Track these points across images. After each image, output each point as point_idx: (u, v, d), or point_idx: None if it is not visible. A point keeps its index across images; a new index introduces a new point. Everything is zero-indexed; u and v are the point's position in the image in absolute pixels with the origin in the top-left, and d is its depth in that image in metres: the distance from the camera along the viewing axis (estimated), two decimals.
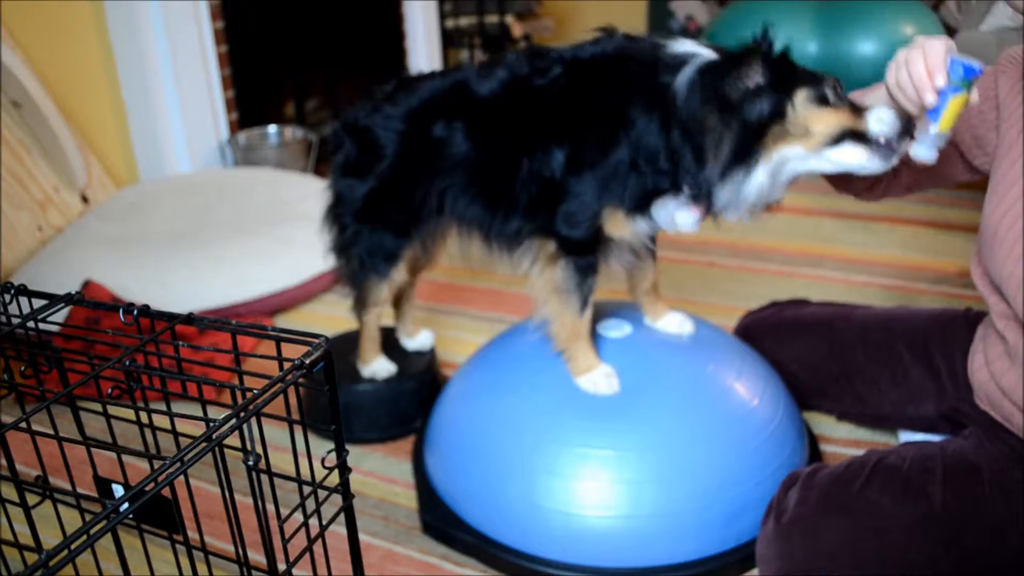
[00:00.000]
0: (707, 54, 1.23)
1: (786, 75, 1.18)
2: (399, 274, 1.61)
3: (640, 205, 1.29)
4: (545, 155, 1.31)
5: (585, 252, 1.35)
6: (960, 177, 1.36)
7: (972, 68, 1.04)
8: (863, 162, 1.18)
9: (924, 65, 1.06)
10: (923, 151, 1.12)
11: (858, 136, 1.17)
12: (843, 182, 1.41)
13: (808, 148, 1.18)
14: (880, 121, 1.15)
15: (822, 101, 1.17)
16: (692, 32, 5.34)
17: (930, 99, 1.07)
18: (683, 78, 1.21)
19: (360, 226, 1.56)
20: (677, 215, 1.28)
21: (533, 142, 1.33)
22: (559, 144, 1.30)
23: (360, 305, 1.67)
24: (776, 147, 1.18)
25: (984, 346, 1.34)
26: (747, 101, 1.16)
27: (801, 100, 1.17)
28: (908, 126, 1.15)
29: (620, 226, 1.33)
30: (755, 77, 1.16)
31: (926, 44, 1.08)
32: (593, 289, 1.39)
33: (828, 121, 1.17)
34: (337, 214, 1.60)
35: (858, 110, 1.18)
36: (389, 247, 1.57)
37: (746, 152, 1.17)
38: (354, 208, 1.55)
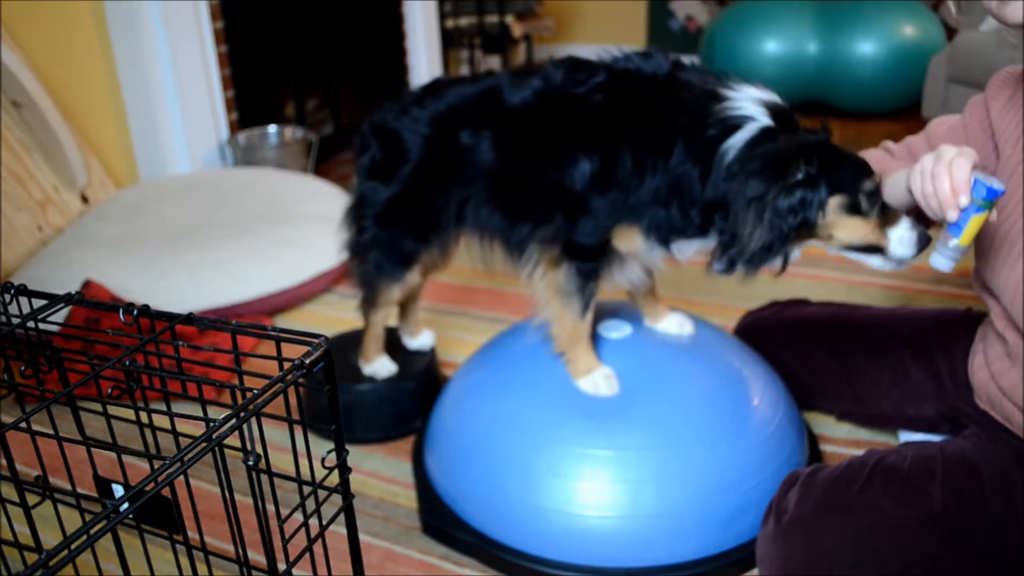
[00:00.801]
0: (762, 120, 1.20)
1: (828, 169, 1.17)
2: (413, 277, 1.61)
3: (660, 235, 1.29)
4: (571, 165, 1.29)
5: (589, 258, 1.35)
6: None
7: (995, 189, 1.07)
8: (876, 266, 1.23)
9: (949, 184, 1.08)
10: (942, 262, 1.15)
11: (877, 249, 1.21)
12: None
13: (831, 246, 1.22)
14: (901, 243, 1.19)
15: (854, 209, 1.18)
16: (692, 32, 5.35)
17: (952, 216, 1.10)
18: (732, 150, 1.18)
19: (380, 230, 1.55)
20: (713, 264, 1.28)
21: (561, 150, 1.30)
22: (588, 156, 1.28)
23: (369, 305, 1.67)
24: (800, 240, 1.21)
25: (984, 346, 1.34)
26: (789, 194, 1.16)
27: (833, 207, 1.18)
28: (924, 242, 1.19)
29: (630, 241, 1.32)
30: (799, 175, 1.16)
31: (953, 161, 1.09)
32: (595, 293, 1.39)
33: (854, 232, 1.20)
34: (358, 216, 1.58)
35: (886, 220, 1.19)
36: (407, 252, 1.56)
37: (773, 242, 1.18)
38: (375, 211, 1.54)
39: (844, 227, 1.19)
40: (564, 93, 1.32)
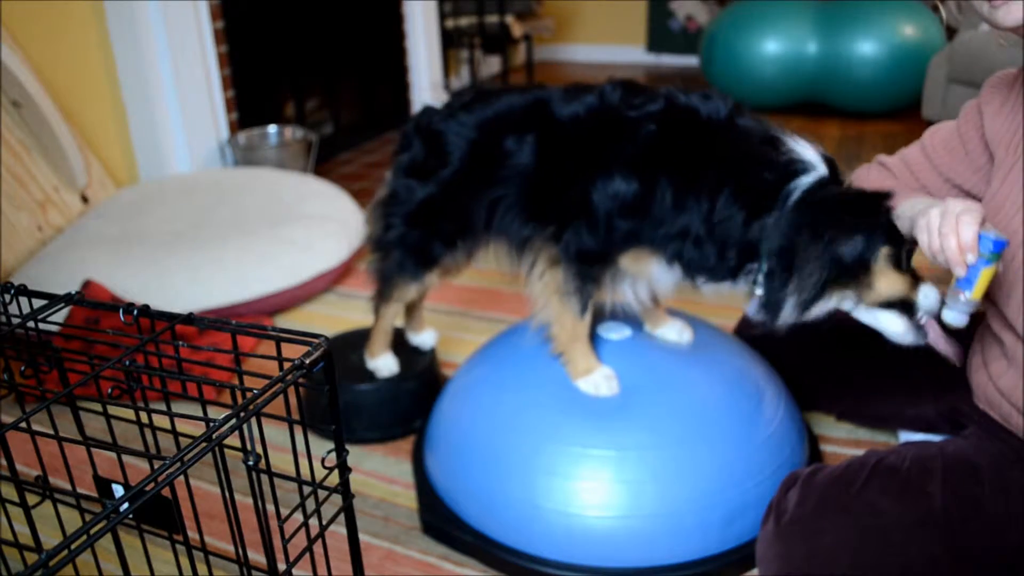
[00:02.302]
0: (821, 169, 1.21)
1: (879, 227, 1.18)
2: (432, 279, 1.61)
3: (688, 269, 1.28)
4: (605, 181, 1.28)
5: (591, 262, 1.35)
6: None
7: (1001, 242, 1.09)
8: (899, 332, 1.23)
9: (956, 243, 1.10)
10: (954, 316, 1.15)
11: (906, 307, 1.21)
12: None
13: (866, 301, 1.21)
14: (927, 297, 1.20)
15: (897, 263, 1.19)
16: (692, 32, 5.34)
17: (960, 273, 1.11)
18: (799, 188, 1.19)
19: (408, 229, 1.54)
20: (749, 305, 1.28)
21: (598, 166, 1.29)
22: (625, 178, 1.27)
23: (382, 299, 1.66)
24: (841, 294, 1.20)
25: (982, 347, 1.34)
26: (845, 242, 1.16)
27: (883, 257, 1.19)
28: (942, 302, 1.20)
29: (641, 265, 1.32)
30: (862, 225, 1.17)
31: (959, 219, 1.10)
32: (592, 294, 1.39)
33: (894, 285, 1.20)
34: (387, 212, 1.57)
35: (916, 280, 1.21)
36: (432, 254, 1.56)
37: (822, 288, 1.18)
38: (407, 210, 1.53)
39: (887, 279, 1.20)
40: (617, 114, 1.31)
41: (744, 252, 1.22)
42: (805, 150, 1.23)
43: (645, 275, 1.34)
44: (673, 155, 1.26)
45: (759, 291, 1.24)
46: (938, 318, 1.20)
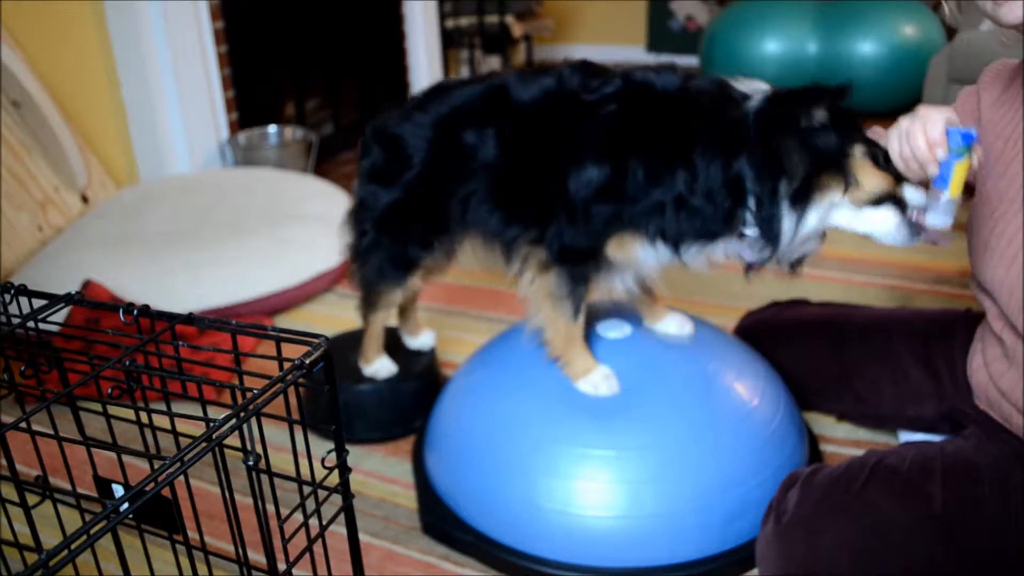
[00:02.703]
0: (768, 89, 1.24)
1: (846, 124, 1.20)
2: (414, 282, 1.61)
3: (673, 240, 1.28)
4: (577, 171, 1.28)
5: (580, 262, 1.35)
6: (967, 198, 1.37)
7: (969, 135, 1.10)
8: (892, 230, 1.23)
9: (924, 139, 1.11)
10: (938, 218, 1.16)
11: (896, 202, 1.21)
12: None
13: (853, 201, 1.21)
14: (915, 195, 1.20)
15: (875, 160, 1.20)
16: (692, 32, 5.35)
17: (933, 170, 1.12)
18: (754, 105, 1.22)
19: (379, 235, 1.55)
20: (739, 249, 1.28)
21: (568, 155, 1.29)
22: (597, 164, 1.27)
23: (368, 306, 1.67)
24: (828, 191, 1.20)
25: (982, 347, 1.34)
26: (817, 134, 1.17)
27: (859, 152, 1.19)
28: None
29: (627, 250, 1.31)
30: (821, 115, 1.18)
31: (926, 117, 1.12)
32: (585, 296, 1.39)
33: (877, 180, 1.20)
34: (359, 220, 1.58)
35: (899, 179, 1.21)
36: (409, 256, 1.56)
37: (807, 188, 1.18)
38: (375, 216, 1.53)
39: (869, 174, 1.20)
40: (576, 97, 1.31)
41: (732, 192, 1.22)
42: (753, 82, 1.26)
43: (631, 261, 1.34)
44: (638, 131, 1.27)
45: (750, 231, 1.24)
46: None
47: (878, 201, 1.21)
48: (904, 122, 1.15)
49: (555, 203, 1.31)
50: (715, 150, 1.21)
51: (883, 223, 1.22)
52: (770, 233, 1.21)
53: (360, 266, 1.61)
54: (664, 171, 1.24)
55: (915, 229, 1.22)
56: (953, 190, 1.12)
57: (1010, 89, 1.23)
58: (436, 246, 1.55)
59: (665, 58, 5.63)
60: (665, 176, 1.24)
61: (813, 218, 1.21)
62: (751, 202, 1.22)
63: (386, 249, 1.55)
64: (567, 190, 1.29)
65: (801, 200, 1.19)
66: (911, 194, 1.20)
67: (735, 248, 1.29)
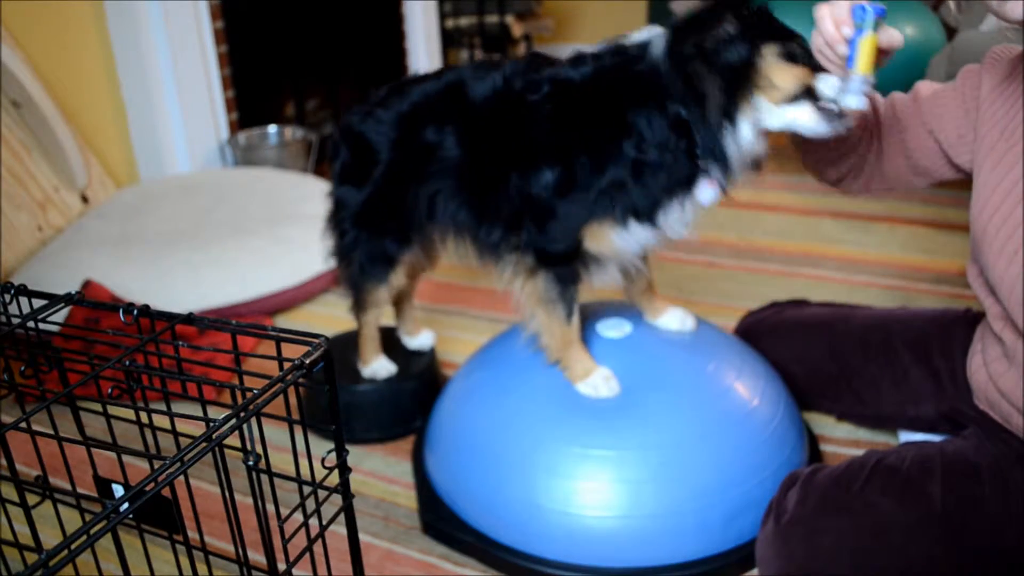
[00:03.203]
0: (657, 30, 1.27)
1: (755, 28, 1.21)
2: (398, 278, 1.62)
3: (645, 212, 1.29)
4: (534, 175, 1.31)
5: (562, 263, 1.35)
6: (943, 174, 1.35)
7: (878, 8, 1.11)
8: (811, 123, 1.22)
9: (831, 21, 1.14)
10: (852, 99, 1.17)
11: (813, 97, 1.21)
12: (821, 166, 1.44)
13: (771, 101, 1.22)
14: (827, 84, 1.20)
15: (788, 58, 1.21)
16: None
17: (842, 50, 1.14)
18: (657, 49, 1.24)
19: (359, 232, 1.57)
20: (700, 193, 1.29)
21: (523, 159, 1.33)
22: (549, 166, 1.30)
23: (359, 307, 1.68)
24: (748, 100, 1.21)
25: (982, 347, 1.34)
26: (723, 49, 1.19)
27: (769, 53, 1.21)
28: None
29: (601, 240, 1.32)
30: (727, 27, 1.20)
31: (832, 2, 1.15)
32: (576, 296, 1.39)
33: (790, 77, 1.21)
34: (337, 220, 1.60)
35: (817, 70, 1.22)
36: (388, 253, 1.57)
37: (731, 100, 1.20)
38: (352, 214, 1.56)
39: (782, 73, 1.20)
40: (521, 99, 1.34)
41: (681, 133, 1.23)
42: (647, 30, 1.29)
43: (612, 251, 1.34)
44: (574, 125, 1.30)
45: (701, 160, 1.25)
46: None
47: (795, 97, 1.22)
48: (816, 11, 1.17)
49: (524, 206, 1.33)
50: (647, 106, 1.24)
51: (802, 117, 1.22)
52: (717, 156, 1.23)
53: (345, 267, 1.63)
54: (610, 149, 1.26)
55: (836, 117, 1.21)
56: (861, 66, 1.12)
57: (1008, 79, 1.22)
58: (412, 240, 1.56)
59: None
60: (613, 153, 1.26)
61: (745, 129, 1.22)
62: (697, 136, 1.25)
63: (365, 246, 1.57)
64: (528, 194, 1.32)
65: (729, 117, 1.21)
66: (823, 83, 1.20)
67: (706, 195, 1.29)
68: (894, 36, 1.15)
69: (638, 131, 1.24)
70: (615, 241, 1.32)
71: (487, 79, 1.37)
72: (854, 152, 1.38)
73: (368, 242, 1.57)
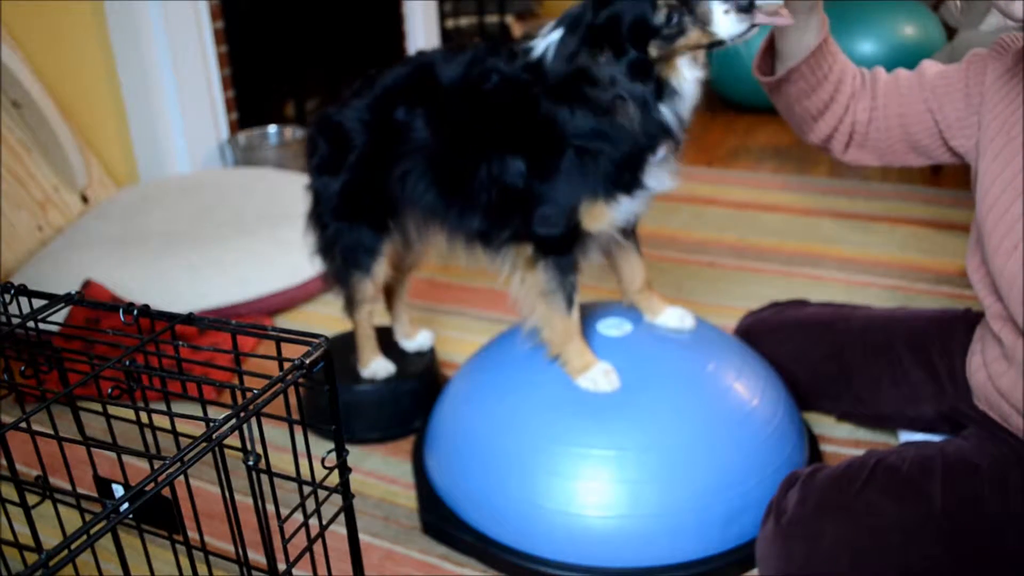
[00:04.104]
0: (553, 36, 1.28)
1: (617, 36, 1.22)
2: (381, 269, 1.62)
3: (623, 183, 1.31)
4: (505, 164, 1.33)
5: (563, 251, 1.36)
6: (940, 155, 1.34)
7: None
8: (728, 27, 1.20)
9: None
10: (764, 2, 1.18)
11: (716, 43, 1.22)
12: (803, 122, 1.43)
13: (700, 41, 1.22)
14: (727, 27, 1.20)
15: (667, 40, 1.21)
16: None
17: None
18: (548, 52, 1.27)
19: (339, 223, 1.57)
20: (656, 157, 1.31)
21: (490, 149, 1.35)
22: (516, 155, 1.32)
23: (349, 304, 1.68)
24: (665, 66, 1.24)
25: (982, 347, 1.34)
26: (614, 80, 1.22)
27: (654, 51, 1.22)
28: (747, 6, 1.19)
29: (599, 217, 1.33)
30: (602, 62, 1.22)
31: None
32: (576, 287, 1.40)
33: (684, 46, 1.22)
34: (317, 214, 1.61)
35: (701, 18, 1.21)
36: (368, 242, 1.58)
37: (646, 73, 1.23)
38: (331, 206, 1.56)
39: (677, 51, 1.23)
40: (478, 85, 1.36)
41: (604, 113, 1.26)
42: (539, 40, 1.30)
43: (604, 224, 1.36)
44: (520, 115, 1.32)
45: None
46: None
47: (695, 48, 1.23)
48: None
49: (512, 197, 1.35)
50: (579, 100, 1.26)
51: (719, 26, 1.21)
52: (657, 134, 1.27)
53: (329, 262, 1.64)
54: (556, 144, 1.28)
55: (745, 15, 1.19)
56: None
57: (1012, 71, 1.22)
58: (391, 228, 1.57)
59: None
60: (559, 148, 1.28)
61: (674, 88, 1.25)
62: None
63: (346, 237, 1.58)
64: (511, 184, 1.34)
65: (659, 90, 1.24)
66: (720, 21, 1.20)
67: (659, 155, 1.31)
68: None
69: (567, 125, 1.27)
70: (612, 212, 1.33)
71: (454, 62, 1.40)
72: (834, 103, 1.36)
73: (348, 233, 1.57)
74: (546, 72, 1.27)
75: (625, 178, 1.31)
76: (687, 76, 1.26)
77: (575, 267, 1.39)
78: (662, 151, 1.30)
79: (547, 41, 1.28)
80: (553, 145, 1.29)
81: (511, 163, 1.33)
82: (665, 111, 1.25)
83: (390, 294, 1.81)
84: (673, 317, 1.53)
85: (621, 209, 1.34)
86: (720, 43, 1.22)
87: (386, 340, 1.82)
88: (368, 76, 1.53)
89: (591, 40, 1.22)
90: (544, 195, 1.32)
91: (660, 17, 1.20)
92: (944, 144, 1.32)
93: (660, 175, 1.33)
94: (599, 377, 1.38)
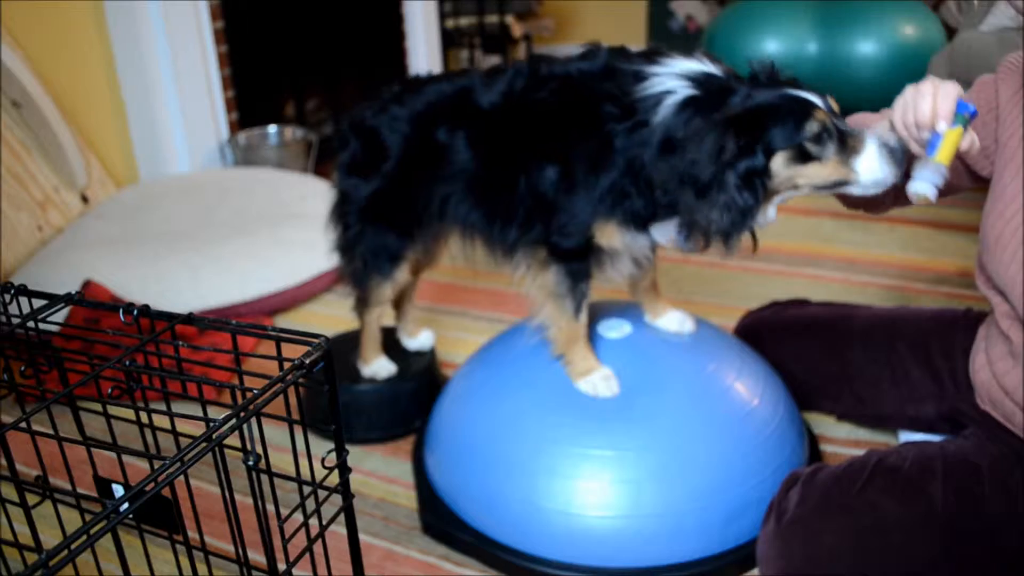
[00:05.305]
0: (681, 92, 1.19)
1: (760, 130, 1.14)
2: (402, 274, 1.62)
3: (636, 224, 1.29)
4: (539, 172, 1.32)
5: (575, 258, 1.36)
6: (966, 187, 1.35)
7: (969, 107, 1.07)
8: (856, 193, 1.19)
9: (931, 106, 1.07)
10: (923, 186, 1.11)
11: (838, 185, 1.18)
12: (852, 203, 1.40)
13: (800, 191, 1.20)
14: (871, 170, 1.15)
15: (804, 157, 1.15)
16: (692, 32, 5.35)
17: (926, 135, 1.09)
18: (657, 130, 1.19)
19: (364, 225, 1.56)
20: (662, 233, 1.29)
21: (528, 158, 1.33)
22: (551, 162, 1.31)
23: (362, 305, 1.68)
24: (768, 200, 1.18)
25: (986, 346, 1.34)
26: (729, 173, 1.13)
27: (780, 163, 1.16)
28: (900, 155, 1.14)
29: (612, 237, 1.33)
30: (729, 149, 1.13)
31: (940, 86, 1.08)
32: (586, 293, 1.39)
33: (816, 176, 1.17)
34: (342, 213, 1.60)
35: (849, 151, 1.15)
36: (392, 247, 1.57)
37: (736, 220, 1.15)
38: (358, 207, 1.55)
39: (803, 176, 1.17)
40: (523, 99, 1.34)
41: (666, 189, 1.21)
42: (664, 78, 1.20)
43: (619, 246, 1.35)
44: (572, 126, 1.29)
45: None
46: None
47: (827, 187, 1.19)
48: (910, 91, 1.11)
49: (534, 204, 1.34)
50: (635, 143, 1.21)
51: (844, 193, 1.18)
52: (701, 241, 1.21)
53: (348, 261, 1.63)
54: (599, 160, 1.25)
55: (894, 163, 1.14)
56: (941, 155, 1.07)
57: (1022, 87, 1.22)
58: (416, 237, 1.56)
59: None
60: (601, 166, 1.25)
61: (751, 224, 1.19)
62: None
63: (371, 240, 1.57)
64: (538, 191, 1.33)
65: (731, 233, 1.17)
66: (867, 170, 1.14)
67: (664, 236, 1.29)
68: (974, 140, 1.11)
69: (625, 159, 1.23)
70: (624, 237, 1.33)
71: (494, 85, 1.37)
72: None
73: (373, 236, 1.56)
74: (650, 117, 1.19)
75: (640, 222, 1.29)
76: (770, 214, 1.20)
77: (586, 274, 1.38)
78: (689, 245, 1.26)
79: (666, 87, 1.20)
80: (596, 162, 1.26)
81: (547, 171, 1.30)
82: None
83: (399, 294, 1.81)
84: (673, 321, 1.53)
85: (637, 238, 1.32)
86: (845, 184, 1.16)
87: (387, 340, 1.82)
88: (410, 82, 1.51)
89: (724, 125, 1.13)
90: (564, 207, 1.31)
91: (810, 130, 1.13)
92: (972, 176, 1.32)
93: (670, 231, 1.31)
94: (599, 382, 1.38)
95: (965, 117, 1.07)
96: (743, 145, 1.13)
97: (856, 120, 1.35)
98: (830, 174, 1.16)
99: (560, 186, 1.30)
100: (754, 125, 1.14)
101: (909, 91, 1.11)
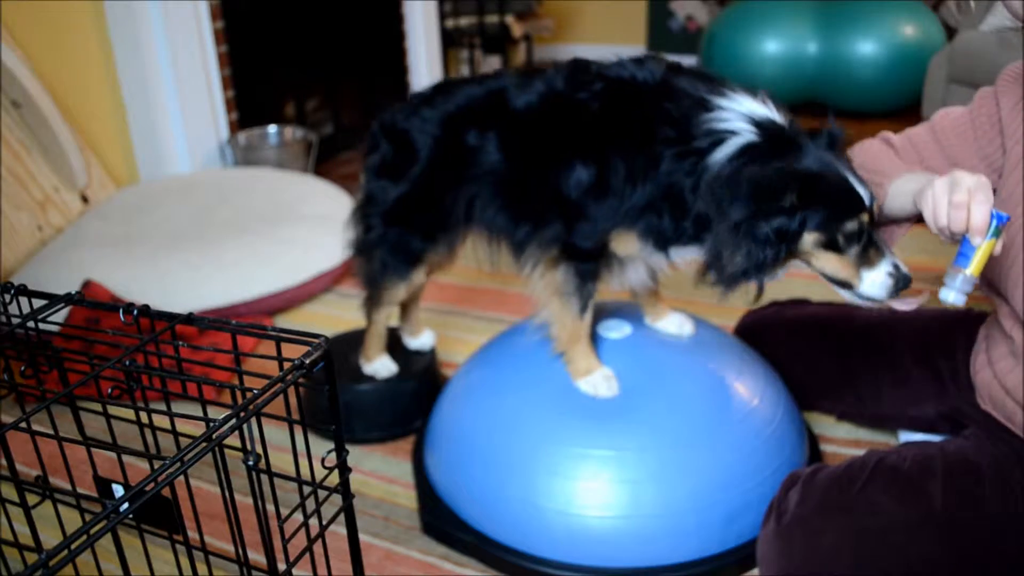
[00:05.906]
0: (745, 136, 1.17)
1: (812, 203, 1.14)
2: (419, 276, 1.61)
3: (657, 242, 1.29)
4: (569, 171, 1.30)
5: (587, 259, 1.36)
6: None
7: (1002, 216, 1.05)
8: (846, 298, 1.21)
9: (966, 219, 1.05)
10: (952, 295, 1.10)
11: (848, 286, 1.19)
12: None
13: (810, 267, 1.21)
14: (873, 286, 1.16)
15: (831, 246, 1.16)
16: (692, 32, 5.35)
17: (957, 239, 1.09)
18: (714, 166, 1.17)
19: (387, 228, 1.56)
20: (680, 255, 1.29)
21: (559, 156, 1.31)
22: (584, 163, 1.29)
23: (373, 303, 1.67)
24: (780, 265, 1.19)
25: (988, 346, 1.34)
26: (764, 222, 1.13)
27: (809, 241, 1.16)
28: (901, 286, 1.16)
29: (627, 246, 1.32)
30: (782, 203, 1.13)
31: (974, 197, 1.05)
32: (593, 294, 1.39)
33: (827, 265, 1.18)
34: (365, 214, 1.59)
35: (866, 260, 1.16)
36: (414, 250, 1.57)
37: (748, 269, 1.16)
38: (384, 209, 1.55)
39: (818, 258, 1.18)
40: (564, 100, 1.32)
41: (698, 219, 1.21)
42: (731, 116, 1.19)
43: (633, 255, 1.35)
44: (617, 131, 1.27)
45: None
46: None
47: (828, 278, 1.20)
48: (941, 190, 1.07)
49: (557, 203, 1.33)
50: (684, 169, 1.20)
51: (836, 289, 1.20)
52: (719, 275, 1.21)
53: (366, 261, 1.62)
54: (639, 173, 1.24)
55: (895, 289, 1.17)
56: (975, 269, 1.07)
57: None
58: (440, 240, 1.56)
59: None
60: (640, 178, 1.24)
61: (754, 280, 1.19)
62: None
63: (392, 242, 1.56)
64: (563, 190, 1.31)
65: (735, 279, 1.18)
66: (871, 284, 1.16)
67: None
68: (999, 249, 1.10)
69: (667, 179, 1.22)
70: (641, 248, 1.32)
71: (530, 87, 1.36)
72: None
73: (396, 238, 1.56)
74: (708, 150, 1.18)
75: (660, 240, 1.29)
76: (778, 273, 1.21)
77: (595, 275, 1.38)
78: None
79: (732, 127, 1.18)
80: (634, 174, 1.25)
81: (578, 170, 1.29)
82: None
83: (409, 296, 1.81)
84: (673, 323, 1.53)
85: (648, 249, 1.32)
86: (845, 286, 1.18)
87: (388, 340, 1.82)
88: (443, 85, 1.50)
89: (787, 177, 1.12)
90: (589, 213, 1.30)
91: (850, 227, 1.14)
92: None
93: (689, 255, 1.31)
94: (599, 382, 1.38)
95: (1000, 229, 1.06)
96: (790, 205, 1.13)
97: (876, 160, 1.35)
98: (839, 270, 1.18)
99: (591, 189, 1.29)
100: (810, 194, 1.13)
101: (940, 190, 1.07)
